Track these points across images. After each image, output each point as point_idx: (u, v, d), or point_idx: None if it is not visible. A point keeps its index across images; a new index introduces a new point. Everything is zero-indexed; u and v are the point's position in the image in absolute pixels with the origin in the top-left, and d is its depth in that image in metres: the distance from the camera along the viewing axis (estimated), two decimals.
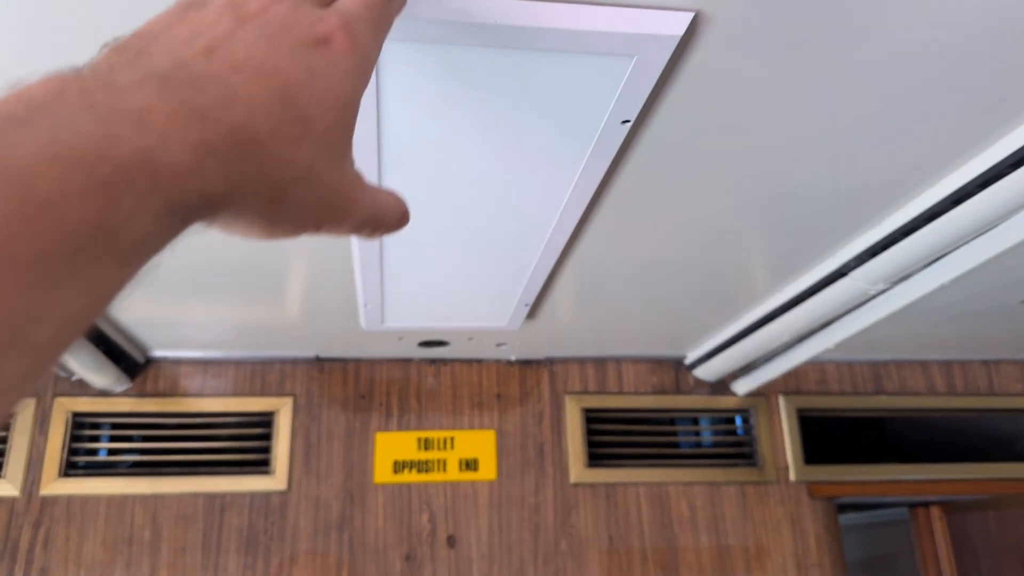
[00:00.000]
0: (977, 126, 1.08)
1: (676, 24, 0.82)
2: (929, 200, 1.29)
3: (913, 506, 3.52)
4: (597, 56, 0.86)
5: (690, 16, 0.82)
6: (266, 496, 2.05)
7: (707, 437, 2.34)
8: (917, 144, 1.13)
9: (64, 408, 2.08)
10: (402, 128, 1.01)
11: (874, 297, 1.64)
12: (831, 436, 2.50)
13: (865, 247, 1.47)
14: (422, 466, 2.12)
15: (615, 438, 2.23)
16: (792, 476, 2.23)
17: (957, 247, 1.43)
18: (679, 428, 2.32)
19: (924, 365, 2.43)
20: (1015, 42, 0.89)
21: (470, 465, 2.13)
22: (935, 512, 3.46)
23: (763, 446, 2.25)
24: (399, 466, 2.11)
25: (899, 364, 2.42)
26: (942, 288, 1.68)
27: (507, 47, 0.84)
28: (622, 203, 1.29)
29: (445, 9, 0.79)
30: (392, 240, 1.35)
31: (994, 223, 1.29)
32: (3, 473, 2.00)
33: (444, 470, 2.12)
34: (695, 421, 2.34)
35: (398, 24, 0.78)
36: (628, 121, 0.99)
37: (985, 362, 2.47)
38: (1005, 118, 1.07)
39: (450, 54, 0.86)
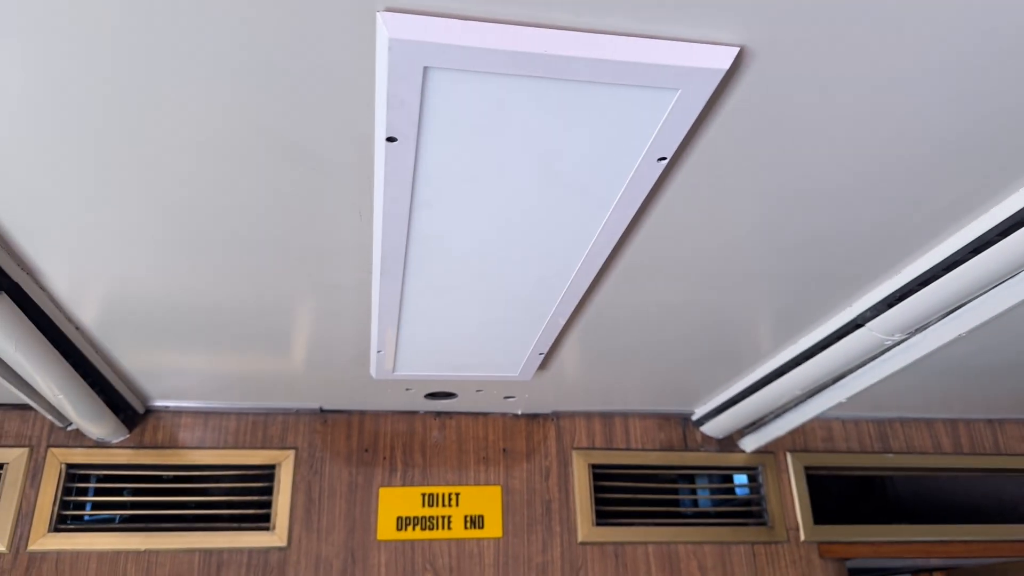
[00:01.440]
0: (999, 176, 1.11)
1: (722, 58, 0.85)
2: (948, 249, 1.32)
3: (917, 571, 3.46)
4: (641, 89, 0.88)
5: (736, 51, 0.85)
6: (265, 553, 1.97)
7: (715, 496, 2.29)
8: (941, 192, 1.15)
9: (58, 459, 2.01)
10: (438, 166, 1.02)
11: (890, 348, 1.64)
12: (838, 495, 2.47)
13: (882, 297, 1.48)
14: (426, 523, 2.05)
15: (623, 495, 2.18)
16: (802, 536, 2.19)
17: (975, 297, 1.45)
18: (688, 486, 2.28)
19: (930, 424, 2.42)
20: None
21: (475, 522, 2.07)
22: None
23: (772, 505, 2.22)
24: (403, 523, 2.05)
25: (904, 422, 2.41)
26: (957, 340, 1.69)
27: (554, 78, 0.86)
28: (648, 247, 1.30)
29: (496, 38, 0.81)
30: (413, 282, 1.35)
31: (1013, 272, 1.31)
32: None
33: (449, 527, 2.06)
34: (705, 479, 2.30)
35: (452, 52, 0.80)
36: (664, 159, 1.01)
37: (990, 421, 2.47)
38: (1013, 176, 1.10)
39: (495, 84, 0.87)
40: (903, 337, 1.55)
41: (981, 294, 1.44)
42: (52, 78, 0.87)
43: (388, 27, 0.79)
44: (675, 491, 2.24)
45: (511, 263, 1.29)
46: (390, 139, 0.95)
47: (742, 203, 1.18)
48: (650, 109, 0.92)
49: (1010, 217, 1.19)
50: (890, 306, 1.47)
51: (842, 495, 2.57)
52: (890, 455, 2.35)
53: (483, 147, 0.99)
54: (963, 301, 1.42)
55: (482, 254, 1.26)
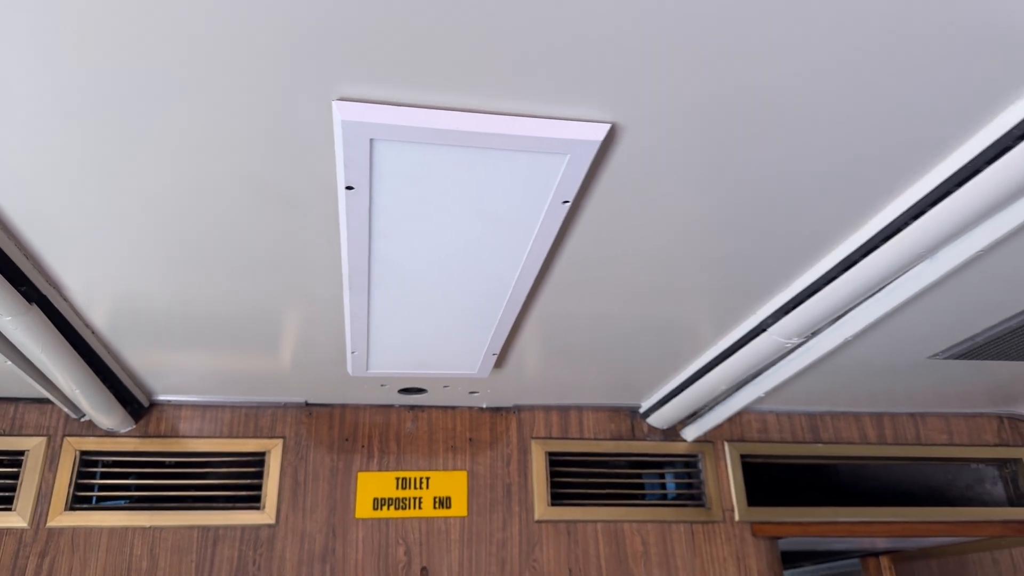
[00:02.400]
0: (856, 205, 1.37)
1: (597, 132, 1.10)
2: (826, 266, 1.57)
3: (864, 556, 3.72)
4: (538, 154, 1.14)
5: (607, 127, 1.10)
6: (256, 529, 2.23)
7: (659, 480, 2.55)
8: (811, 218, 1.41)
9: (73, 447, 2.27)
10: (388, 207, 1.27)
11: (792, 351, 1.91)
12: (777, 482, 2.72)
13: (779, 305, 1.74)
14: (399, 503, 2.32)
15: (576, 479, 2.45)
16: (737, 516, 2.46)
17: (856, 305, 1.71)
18: (635, 471, 2.54)
19: (857, 417, 2.69)
20: (868, 139, 1.18)
21: (443, 503, 2.34)
22: (885, 562, 3.66)
23: (710, 488, 2.48)
24: (379, 503, 2.31)
25: (834, 416, 2.67)
26: (851, 343, 1.96)
27: (469, 146, 1.12)
28: (572, 265, 1.56)
29: (423, 119, 1.07)
30: (378, 295, 1.60)
31: (882, 284, 1.56)
32: (14, 506, 2.18)
33: (420, 507, 2.32)
34: (650, 465, 2.56)
35: (391, 129, 1.06)
36: (568, 201, 1.27)
37: (912, 415, 2.73)
38: (870, 205, 1.36)
39: (426, 150, 1.13)
40: (800, 340, 1.81)
41: (860, 303, 1.70)
42: (76, 134, 1.13)
43: (340, 112, 1.05)
44: (622, 476, 2.50)
45: (457, 280, 1.55)
46: (348, 187, 1.21)
47: (642, 234, 1.43)
48: (549, 167, 1.17)
49: (873, 237, 1.44)
50: (786, 313, 1.73)
51: (783, 483, 2.82)
52: (820, 445, 2.62)
53: (423, 193, 1.25)
54: (846, 308, 1.68)
55: (432, 273, 1.52)
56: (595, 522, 2.38)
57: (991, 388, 2.54)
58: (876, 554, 3.69)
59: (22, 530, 2.16)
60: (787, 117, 1.11)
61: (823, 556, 3.91)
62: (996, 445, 2.75)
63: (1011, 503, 2.74)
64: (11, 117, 1.07)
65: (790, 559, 4.15)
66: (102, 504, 2.24)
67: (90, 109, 1.05)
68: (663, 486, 2.55)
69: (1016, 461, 2.76)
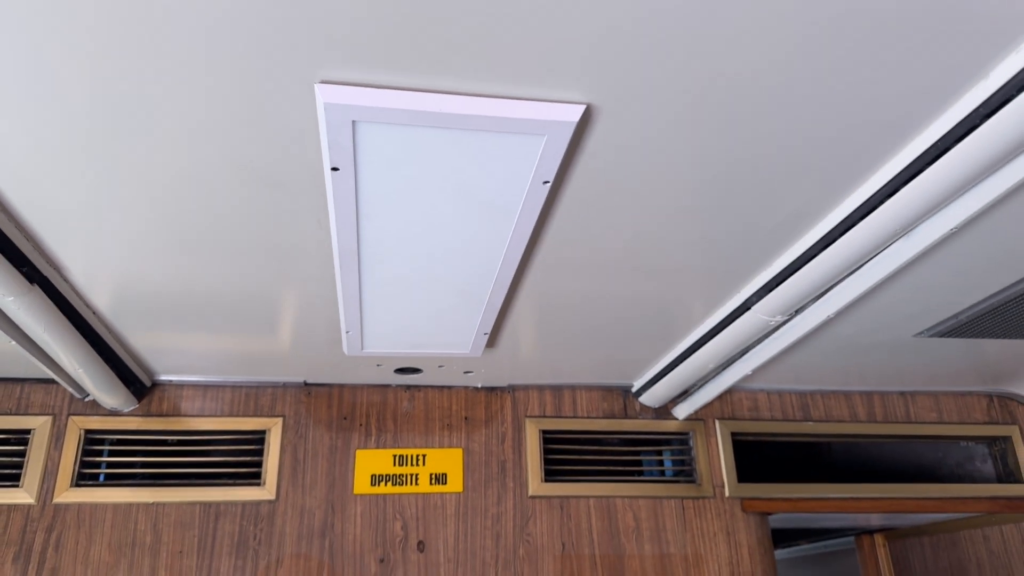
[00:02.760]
0: (832, 185, 1.40)
1: (573, 113, 1.14)
2: (805, 244, 1.61)
3: (859, 534, 3.78)
4: (516, 135, 1.18)
5: (583, 108, 1.14)
6: (256, 505, 2.29)
7: (651, 458, 2.60)
8: (789, 198, 1.45)
9: (77, 426, 2.33)
10: (374, 188, 1.31)
11: (776, 328, 1.94)
12: (768, 460, 2.76)
13: (763, 283, 1.77)
14: (397, 479, 2.37)
15: (569, 456, 2.50)
16: (727, 492, 2.50)
17: (836, 283, 1.75)
18: (628, 449, 2.59)
19: (847, 395, 2.73)
20: (848, 117, 1.22)
21: (439, 479, 2.39)
22: (879, 539, 3.72)
23: (701, 465, 2.53)
24: (376, 479, 2.37)
25: (824, 394, 2.71)
26: (836, 321, 1.99)
27: (449, 127, 1.16)
28: (556, 244, 1.60)
29: (403, 101, 1.10)
30: (369, 275, 1.65)
31: (861, 262, 1.60)
32: (21, 483, 2.25)
33: (416, 483, 2.38)
34: (643, 443, 2.61)
35: (372, 111, 1.09)
36: (548, 182, 1.31)
37: (903, 393, 2.77)
38: (846, 185, 1.39)
39: (408, 132, 1.17)
40: (784, 318, 1.84)
41: (840, 281, 1.73)
42: (73, 123, 1.17)
43: (323, 95, 1.09)
44: (615, 453, 2.55)
45: (444, 259, 1.59)
46: (334, 168, 1.25)
47: (623, 215, 1.47)
48: (527, 148, 1.21)
49: (850, 215, 1.47)
50: (770, 291, 1.76)
51: (774, 460, 2.86)
52: (810, 423, 2.66)
53: (407, 174, 1.28)
54: (826, 287, 1.71)
55: (420, 253, 1.56)
56: (588, 497, 2.43)
57: (980, 367, 2.57)
58: (870, 532, 3.75)
59: (29, 506, 2.23)
60: (761, 100, 1.14)
61: (819, 534, 3.96)
62: (986, 423, 2.79)
63: (1000, 480, 2.78)
64: (10, 107, 1.11)
65: (787, 537, 4.21)
66: (107, 481, 2.30)
67: (86, 98, 1.09)
68: (657, 463, 2.60)
69: (1006, 439, 2.80)
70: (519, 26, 0.98)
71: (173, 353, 2.22)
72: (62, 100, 1.11)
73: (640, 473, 2.54)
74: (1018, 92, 1.09)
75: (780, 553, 4.52)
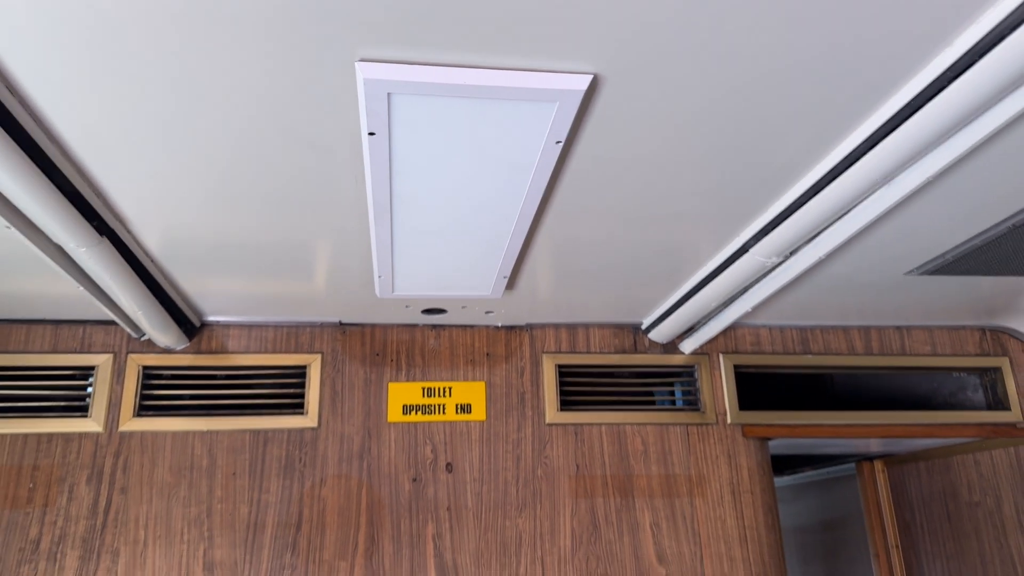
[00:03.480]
0: (819, 138, 1.55)
1: (581, 82, 1.29)
2: (797, 192, 1.76)
3: (859, 461, 4.00)
4: (532, 102, 1.33)
5: (590, 77, 1.29)
6: (300, 432, 2.54)
7: (663, 388, 2.81)
8: (782, 150, 1.60)
9: (136, 363, 2.57)
10: (405, 149, 1.48)
11: (773, 269, 2.11)
12: (771, 390, 2.95)
13: (759, 228, 1.93)
14: (426, 409, 2.61)
15: (583, 388, 2.71)
16: (729, 419, 2.71)
17: (826, 227, 1.90)
18: (637, 381, 2.79)
19: (846, 330, 2.90)
20: (847, 59, 1.36)
21: (465, 409, 2.62)
22: (878, 465, 3.94)
23: (705, 395, 2.73)
24: (407, 409, 2.60)
25: (824, 329, 2.89)
26: (830, 261, 2.15)
27: (473, 97, 1.32)
28: (570, 196, 1.76)
29: (433, 76, 1.26)
30: (399, 226, 1.83)
31: (848, 207, 1.74)
32: (89, 413, 2.50)
33: (444, 413, 2.61)
34: (652, 376, 2.81)
35: (405, 85, 1.26)
36: (560, 141, 1.47)
37: (898, 328, 2.94)
38: (832, 138, 1.54)
39: (436, 101, 1.33)
40: (780, 260, 2.01)
41: (830, 225, 1.89)
42: (145, 93, 1.35)
43: (362, 72, 1.25)
44: (625, 385, 2.76)
45: (468, 212, 1.76)
46: (371, 133, 1.42)
47: (631, 169, 1.63)
48: (541, 113, 1.37)
49: (837, 165, 1.61)
50: (765, 234, 1.92)
51: (778, 391, 3.05)
52: (809, 356, 2.84)
53: (435, 138, 1.45)
54: (817, 230, 1.86)
55: (445, 206, 1.73)
56: (600, 425, 2.66)
57: (974, 302, 2.72)
58: (870, 459, 3.97)
59: (98, 434, 2.48)
60: (754, 67, 1.29)
61: (822, 460, 4.19)
62: (978, 355, 2.96)
63: (989, 408, 2.96)
64: (91, 81, 1.28)
65: (793, 464, 4.45)
66: (165, 412, 2.55)
67: (157, 71, 1.27)
68: (668, 394, 2.80)
69: (996, 370, 2.97)
70: (531, 7, 1.13)
71: (220, 296, 2.43)
72: (136, 73, 1.28)
73: (649, 403, 2.75)
74: (992, 47, 1.21)
75: (786, 479, 4.77)
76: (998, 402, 2.95)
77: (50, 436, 2.46)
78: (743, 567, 2.57)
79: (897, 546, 3.80)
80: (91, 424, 2.49)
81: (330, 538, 2.45)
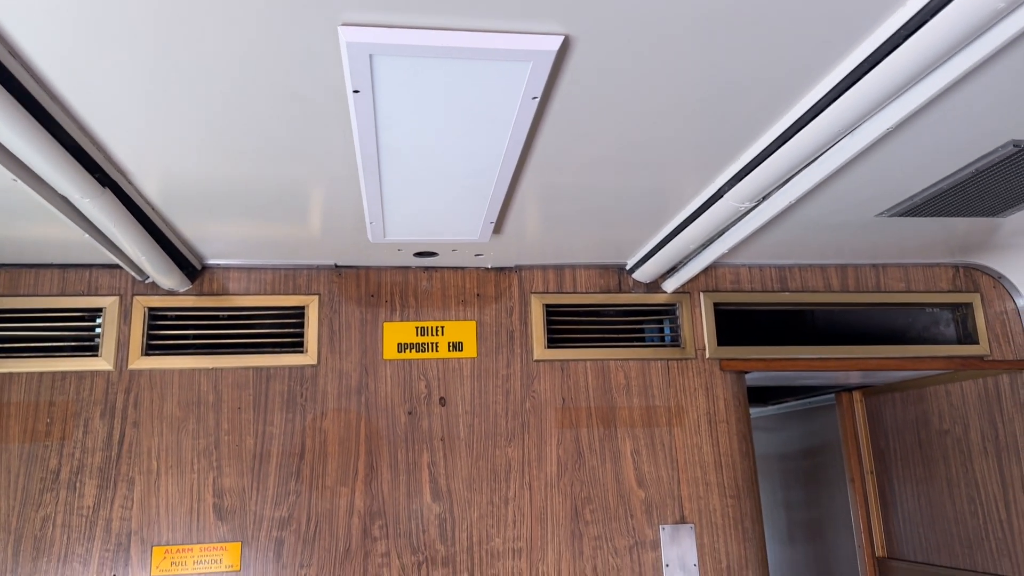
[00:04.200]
0: (784, 93, 1.62)
1: (552, 43, 1.37)
2: (766, 141, 1.84)
3: (839, 392, 4.17)
4: (507, 62, 1.41)
5: (561, 38, 1.36)
6: (301, 369, 2.68)
7: (642, 326, 2.94)
8: (748, 103, 1.67)
9: (141, 304, 2.69)
10: (389, 105, 1.56)
11: (747, 213, 2.20)
12: (752, 327, 3.08)
13: (732, 175, 2.02)
14: (420, 347, 2.74)
15: (569, 326, 2.84)
16: (708, 354, 2.85)
17: (795, 173, 1.99)
18: (621, 319, 2.92)
19: (823, 268, 3.01)
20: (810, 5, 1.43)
21: (456, 346, 2.76)
22: (856, 396, 4.11)
23: (685, 331, 2.87)
24: (402, 347, 2.73)
25: (802, 267, 3.00)
26: (804, 204, 2.24)
27: (451, 58, 1.39)
28: (551, 147, 1.84)
29: (411, 38, 1.34)
30: (387, 176, 1.91)
31: (815, 155, 1.83)
32: (100, 353, 2.64)
33: (436, 350, 2.75)
34: (634, 314, 2.94)
35: (386, 47, 1.33)
36: (536, 97, 1.54)
37: (874, 266, 3.05)
38: (796, 92, 1.61)
39: (416, 61, 1.41)
40: (752, 204, 2.10)
41: (798, 172, 1.97)
42: (141, 51, 1.42)
43: (345, 35, 1.32)
44: (610, 323, 2.89)
45: (452, 162, 1.85)
46: (355, 91, 1.49)
47: (605, 122, 1.71)
48: (518, 72, 1.44)
49: (802, 116, 1.69)
50: (738, 181, 2.01)
51: (759, 327, 3.18)
52: (787, 293, 2.96)
53: (417, 95, 1.53)
54: (787, 177, 1.95)
55: (431, 157, 1.82)
56: (585, 360, 2.80)
57: (948, 240, 2.82)
58: (849, 390, 4.14)
59: (108, 372, 2.63)
60: (718, 19, 1.36)
61: (804, 392, 4.37)
62: (950, 291, 3.07)
63: (960, 341, 3.10)
64: (96, 41, 1.36)
65: (776, 395, 4.64)
66: (171, 350, 2.69)
67: (151, 30, 1.34)
68: (657, 331, 2.93)
69: (967, 305, 3.09)
70: None
71: (219, 240, 2.53)
72: (131, 31, 1.36)
73: (632, 340, 2.88)
74: (941, 8, 1.28)
75: (770, 409, 4.97)
76: (968, 336, 3.09)
77: (64, 374, 2.61)
78: (717, 490, 2.75)
79: (872, 471, 4.01)
80: (102, 363, 2.63)
81: (332, 466, 2.62)
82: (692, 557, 2.68)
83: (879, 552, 3.92)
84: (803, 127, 1.70)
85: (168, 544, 2.51)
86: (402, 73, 1.44)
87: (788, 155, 1.81)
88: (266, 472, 2.60)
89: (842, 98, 1.56)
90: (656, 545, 2.68)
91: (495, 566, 2.61)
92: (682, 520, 2.72)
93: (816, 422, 4.46)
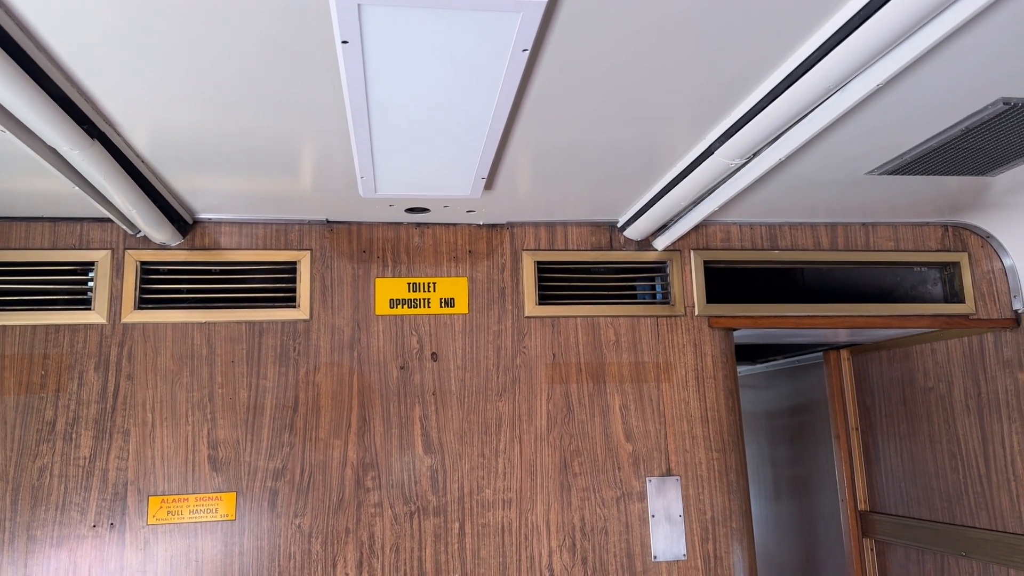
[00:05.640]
0: (773, 48, 1.62)
1: None
2: (756, 98, 1.84)
3: (827, 350, 4.23)
4: (496, 12, 1.40)
5: None
6: (293, 323, 2.70)
7: (632, 283, 2.96)
8: (739, 58, 1.67)
9: (133, 258, 2.70)
10: (378, 57, 1.55)
11: (737, 170, 2.21)
12: (741, 285, 3.10)
13: (723, 131, 2.02)
14: (412, 303, 2.76)
15: (560, 283, 2.86)
16: (697, 311, 2.88)
17: (785, 131, 1.99)
18: (612, 276, 2.94)
19: (813, 227, 3.03)
20: None
21: (448, 303, 2.78)
22: (844, 354, 4.17)
23: (675, 289, 2.89)
24: (394, 303, 2.75)
25: (792, 226, 3.01)
26: (793, 162, 2.25)
27: (440, 7, 1.38)
28: (542, 102, 1.84)
29: None
30: (377, 129, 1.91)
31: (803, 113, 1.83)
32: (93, 307, 2.65)
33: (428, 306, 2.77)
34: (625, 271, 2.96)
35: None
36: (526, 50, 1.54)
37: (864, 224, 3.06)
38: (786, 47, 1.61)
39: (404, 11, 1.40)
40: (742, 161, 2.10)
41: (788, 129, 1.98)
42: (128, 5, 1.41)
43: None
44: (601, 280, 2.91)
45: (442, 116, 1.84)
46: (344, 42, 1.48)
47: (595, 75, 1.70)
48: (507, 22, 1.43)
49: (792, 72, 1.68)
50: (729, 137, 2.01)
51: (749, 286, 3.20)
52: (776, 251, 2.98)
53: (406, 46, 1.52)
54: (777, 134, 1.95)
55: (421, 110, 1.81)
56: (576, 317, 2.83)
57: (938, 199, 2.83)
58: (837, 348, 4.19)
59: (102, 325, 2.64)
60: None
61: (792, 349, 4.42)
62: (939, 251, 3.10)
63: (946, 300, 3.13)
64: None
65: (766, 352, 4.69)
66: (164, 304, 2.70)
67: None
68: (649, 288, 2.96)
69: (955, 264, 3.12)
70: None
71: (210, 194, 2.52)
72: None
73: (623, 297, 2.91)
74: None
75: (759, 367, 5.03)
76: (954, 295, 3.12)
77: (57, 327, 2.62)
78: (703, 443, 2.81)
79: (857, 428, 4.08)
80: (95, 316, 2.64)
81: (324, 419, 2.66)
82: (678, 508, 2.75)
83: (862, 506, 4.01)
84: (794, 82, 1.70)
85: (164, 494, 2.56)
86: (391, 23, 1.43)
87: (779, 111, 1.81)
88: (260, 424, 2.64)
89: (833, 52, 1.56)
90: (643, 496, 2.75)
91: (485, 516, 2.68)
92: (668, 473, 2.78)
93: (803, 380, 4.52)
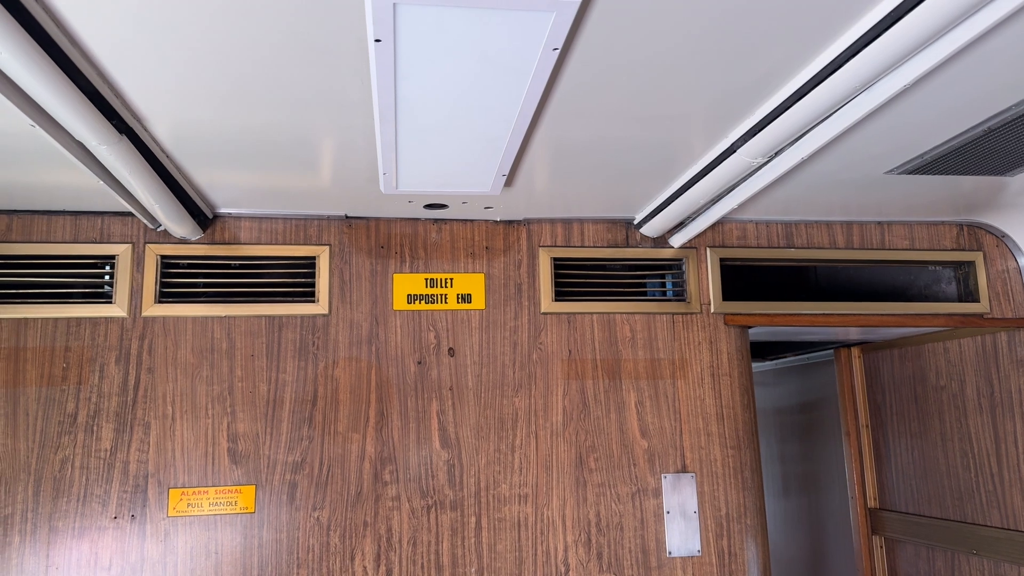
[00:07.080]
0: (801, 47, 1.63)
1: None
2: (781, 97, 1.85)
3: (838, 348, 4.23)
4: (530, 11, 1.41)
5: None
6: (312, 318, 2.72)
7: (648, 280, 2.97)
8: (765, 58, 1.68)
9: (154, 252, 2.71)
10: (410, 55, 1.56)
11: (758, 168, 2.22)
12: (756, 283, 3.11)
13: (746, 130, 2.03)
14: (429, 298, 2.78)
15: (577, 280, 2.87)
16: (713, 309, 2.90)
17: (809, 130, 2.00)
18: (628, 273, 2.95)
19: (829, 225, 3.03)
20: None
21: (465, 298, 2.79)
22: (855, 352, 4.18)
23: (691, 286, 2.90)
24: (411, 298, 2.77)
25: (808, 224, 3.02)
26: (813, 161, 2.26)
27: (475, 7, 1.39)
28: (567, 99, 1.85)
29: None
30: (403, 127, 1.92)
31: (829, 112, 1.84)
32: (114, 300, 2.67)
33: (445, 302, 2.78)
34: (642, 268, 2.97)
35: None
36: (557, 48, 1.55)
37: (879, 223, 3.07)
38: (814, 47, 1.61)
39: (439, 11, 1.41)
40: (765, 160, 2.11)
41: (812, 128, 1.98)
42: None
43: None
44: (617, 277, 2.92)
45: (470, 113, 1.85)
46: (377, 40, 1.50)
47: (623, 75, 1.71)
48: (540, 21, 1.44)
49: (819, 72, 1.69)
50: (752, 136, 2.02)
51: (763, 284, 3.21)
52: (792, 249, 2.99)
53: (438, 45, 1.53)
54: (800, 133, 1.96)
55: (448, 108, 1.82)
56: (591, 314, 2.84)
57: (954, 198, 2.84)
58: (848, 345, 4.20)
59: (123, 319, 2.66)
60: None
61: (803, 347, 4.43)
62: (953, 250, 3.11)
63: (960, 299, 3.14)
64: None
65: (776, 350, 4.70)
66: (184, 298, 2.72)
67: None
68: (660, 286, 2.97)
69: (970, 263, 3.13)
70: None
71: (231, 189, 2.54)
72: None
73: (639, 294, 2.92)
74: None
75: (769, 364, 5.04)
76: (969, 294, 3.13)
77: (79, 320, 2.64)
78: (719, 440, 2.82)
79: (867, 425, 4.09)
80: (116, 310, 2.66)
81: (343, 413, 2.68)
82: (692, 504, 2.77)
83: (871, 503, 4.03)
84: (822, 81, 1.71)
85: (184, 487, 2.58)
86: (425, 22, 1.45)
87: (805, 110, 1.82)
88: (279, 418, 2.66)
89: (862, 52, 1.57)
90: (658, 493, 2.77)
91: (501, 510, 2.69)
92: (683, 469, 2.79)
93: (813, 378, 4.53)
